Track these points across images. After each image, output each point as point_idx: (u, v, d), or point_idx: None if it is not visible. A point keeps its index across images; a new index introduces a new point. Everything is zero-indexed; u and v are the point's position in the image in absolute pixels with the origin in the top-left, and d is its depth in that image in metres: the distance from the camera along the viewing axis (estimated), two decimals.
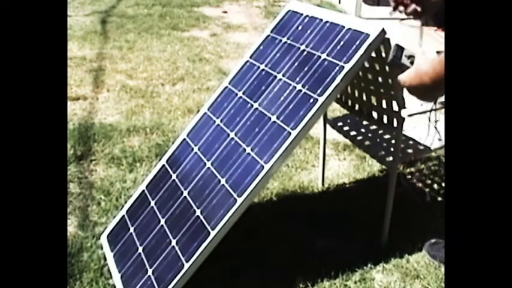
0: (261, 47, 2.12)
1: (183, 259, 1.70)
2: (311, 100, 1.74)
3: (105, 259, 1.96)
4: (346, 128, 2.31)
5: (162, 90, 3.66)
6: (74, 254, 1.98)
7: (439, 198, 2.46)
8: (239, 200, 1.69)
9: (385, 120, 2.00)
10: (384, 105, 1.96)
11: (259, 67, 2.04)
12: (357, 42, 1.73)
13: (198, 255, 1.67)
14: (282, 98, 1.84)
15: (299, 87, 1.81)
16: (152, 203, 1.98)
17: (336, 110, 2.89)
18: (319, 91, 1.74)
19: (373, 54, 1.81)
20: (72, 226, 2.16)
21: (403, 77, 1.47)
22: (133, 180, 2.49)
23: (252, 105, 1.92)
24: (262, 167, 1.71)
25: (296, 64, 1.90)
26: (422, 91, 1.43)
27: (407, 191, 2.43)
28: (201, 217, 1.75)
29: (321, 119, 2.36)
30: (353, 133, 2.28)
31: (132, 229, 1.97)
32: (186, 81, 3.83)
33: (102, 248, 2.01)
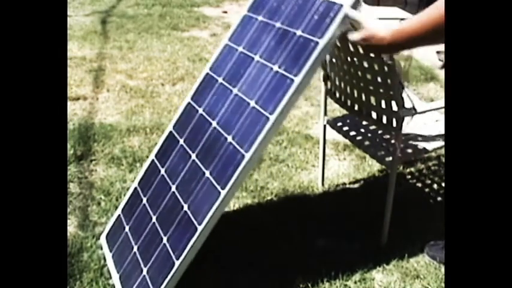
0: (239, 28, 2.00)
1: (173, 257, 1.66)
2: (288, 81, 1.64)
3: (105, 259, 1.96)
4: (345, 128, 2.31)
5: (162, 90, 3.66)
6: (74, 254, 1.98)
7: (439, 198, 2.46)
8: (223, 193, 1.62)
9: (384, 120, 2.00)
10: (383, 105, 1.96)
11: (237, 49, 1.93)
12: (331, 14, 1.63)
13: (187, 252, 1.62)
14: (259, 81, 1.74)
15: (276, 68, 1.71)
16: (144, 200, 1.94)
17: (335, 110, 2.89)
18: (295, 71, 1.64)
19: (372, 54, 1.81)
20: (72, 226, 2.16)
21: (358, 36, 1.62)
22: (133, 180, 2.49)
23: (231, 91, 1.83)
24: (243, 156, 1.63)
25: (273, 43, 1.79)
26: (374, 50, 1.75)
27: (407, 191, 2.43)
28: (189, 212, 1.70)
29: (321, 120, 2.36)
30: (352, 133, 2.28)
31: (127, 228, 1.95)
32: (186, 81, 3.83)
33: (102, 248, 2.01)
